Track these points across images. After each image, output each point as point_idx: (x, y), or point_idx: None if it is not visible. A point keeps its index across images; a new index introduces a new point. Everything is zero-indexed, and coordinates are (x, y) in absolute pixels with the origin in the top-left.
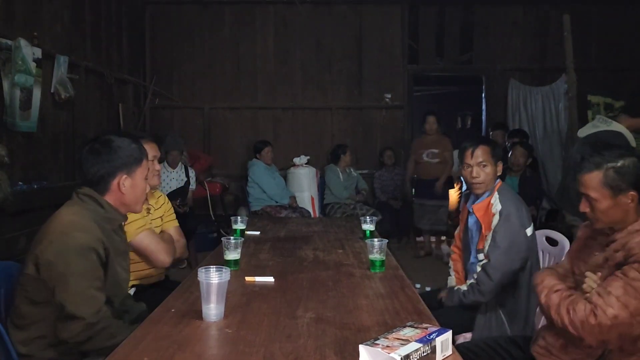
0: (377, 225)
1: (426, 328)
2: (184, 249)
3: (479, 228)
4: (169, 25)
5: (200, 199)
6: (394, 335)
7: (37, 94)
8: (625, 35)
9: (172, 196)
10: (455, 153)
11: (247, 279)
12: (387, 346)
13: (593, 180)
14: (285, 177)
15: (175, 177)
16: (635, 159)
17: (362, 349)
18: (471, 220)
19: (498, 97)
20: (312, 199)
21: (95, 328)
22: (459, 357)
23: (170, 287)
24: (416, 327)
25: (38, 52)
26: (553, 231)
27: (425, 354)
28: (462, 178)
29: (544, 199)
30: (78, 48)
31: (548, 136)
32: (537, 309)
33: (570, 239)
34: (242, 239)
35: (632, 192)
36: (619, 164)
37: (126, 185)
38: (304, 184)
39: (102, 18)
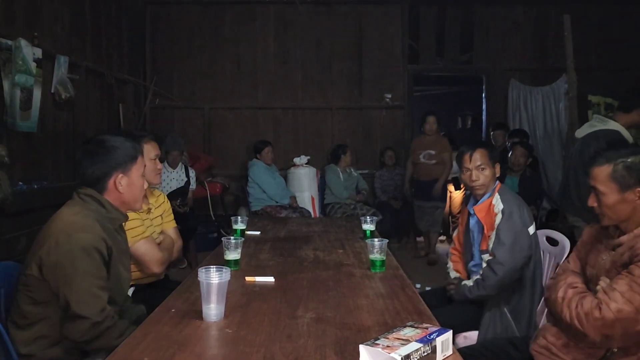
0: (378, 225)
1: (426, 328)
2: (179, 251)
3: (481, 229)
4: (170, 25)
5: (200, 199)
6: (395, 335)
7: (37, 94)
8: (625, 35)
9: (172, 196)
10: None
11: (248, 279)
12: (388, 346)
13: (602, 173)
14: (285, 177)
15: (175, 177)
16: None
17: (363, 348)
18: (472, 222)
19: (498, 97)
20: (313, 199)
21: (101, 327)
22: (459, 357)
23: (170, 287)
24: (416, 327)
25: (38, 52)
26: (553, 231)
27: (425, 354)
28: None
29: (544, 199)
30: (78, 48)
31: (548, 136)
32: (539, 308)
33: (571, 239)
34: (243, 239)
35: (639, 189)
36: (629, 160)
37: (123, 184)
38: (304, 184)
39: (103, 18)
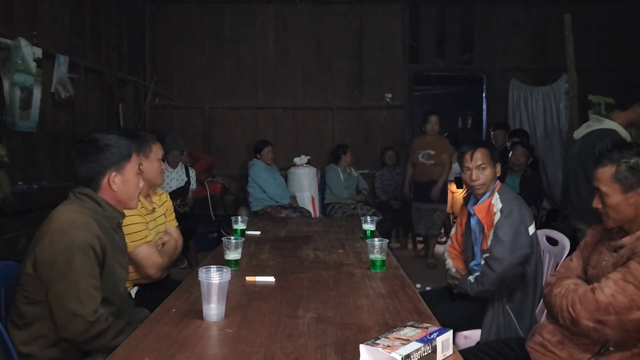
0: (378, 225)
1: (427, 328)
2: (180, 251)
3: (482, 229)
4: (169, 25)
5: (200, 199)
6: (395, 335)
7: (37, 93)
8: (626, 35)
9: (172, 196)
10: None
11: (248, 278)
12: (388, 346)
13: (605, 174)
14: (285, 177)
15: (175, 177)
16: None
17: (363, 348)
18: (473, 222)
19: (499, 97)
20: (313, 198)
21: (95, 328)
22: (460, 357)
23: (171, 286)
24: (417, 327)
25: (38, 52)
26: (553, 231)
27: (425, 353)
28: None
29: (544, 199)
30: (78, 48)
31: (549, 136)
32: (539, 307)
33: (572, 240)
34: (243, 239)
35: None
36: (632, 161)
37: (117, 182)
38: (305, 183)
39: (102, 17)
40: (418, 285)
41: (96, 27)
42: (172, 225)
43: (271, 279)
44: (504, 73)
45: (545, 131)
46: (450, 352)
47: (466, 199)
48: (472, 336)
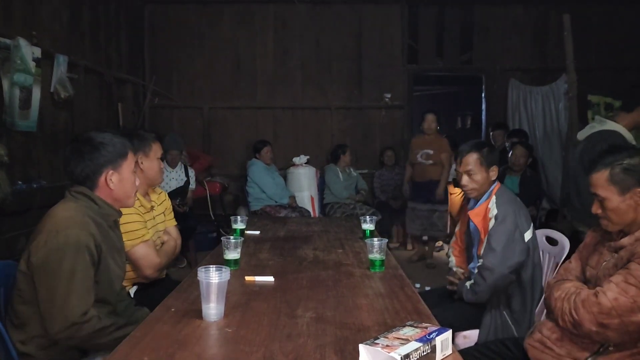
0: (377, 225)
1: (426, 327)
2: (178, 250)
3: (479, 234)
4: (168, 25)
5: (199, 198)
6: (394, 334)
7: (36, 93)
8: (625, 35)
9: (171, 196)
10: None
11: (247, 278)
12: (387, 345)
13: (600, 178)
14: (284, 177)
15: (174, 177)
16: None
17: (362, 348)
18: (471, 225)
19: (498, 97)
20: (312, 198)
21: (84, 329)
22: (459, 356)
23: (170, 286)
24: (416, 327)
25: (37, 52)
26: (553, 231)
27: (425, 353)
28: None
29: (543, 199)
30: (77, 47)
31: (548, 136)
32: (538, 308)
33: (572, 240)
34: (242, 239)
35: (639, 189)
36: (625, 162)
37: (114, 181)
38: (304, 183)
39: (101, 17)
40: (417, 285)
41: (95, 27)
42: (171, 224)
43: (270, 278)
44: (503, 73)
45: (545, 131)
46: (449, 351)
47: (467, 199)
48: (471, 336)
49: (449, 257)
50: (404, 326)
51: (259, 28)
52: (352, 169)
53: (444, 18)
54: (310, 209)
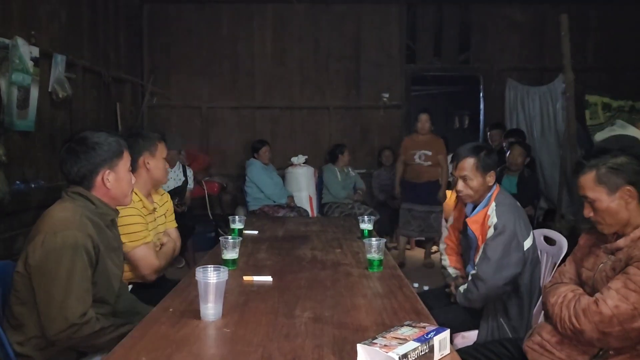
0: (375, 224)
1: (424, 327)
2: (177, 252)
3: (476, 240)
4: (167, 24)
5: (198, 198)
6: (392, 334)
7: (34, 93)
8: (622, 35)
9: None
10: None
11: (245, 278)
12: (385, 345)
13: (588, 180)
14: (283, 177)
15: (173, 177)
16: (626, 156)
17: (360, 348)
18: (469, 231)
19: (495, 97)
20: (310, 198)
21: (82, 330)
22: (457, 356)
23: (167, 286)
24: (414, 326)
25: (35, 51)
26: (551, 230)
27: (423, 353)
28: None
29: (541, 199)
30: (75, 47)
31: (545, 136)
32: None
33: (569, 239)
34: (240, 239)
35: (627, 187)
36: (610, 162)
37: (110, 180)
38: (302, 183)
39: (100, 17)
40: (415, 285)
41: (94, 26)
42: (172, 226)
43: (268, 278)
44: (500, 73)
45: (542, 131)
46: (447, 351)
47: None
48: (469, 336)
49: (442, 254)
50: (402, 326)
51: (257, 28)
52: (350, 169)
53: (441, 18)
54: (308, 209)
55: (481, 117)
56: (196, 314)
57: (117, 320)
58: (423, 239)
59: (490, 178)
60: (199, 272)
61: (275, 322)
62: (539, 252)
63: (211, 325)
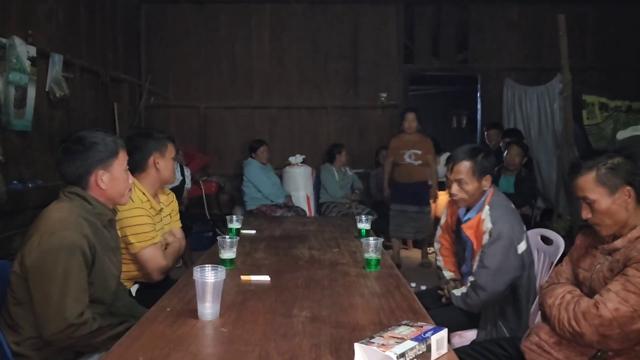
0: (373, 224)
1: (421, 326)
2: (182, 252)
3: (472, 244)
4: (165, 24)
5: (195, 198)
6: (390, 333)
7: (31, 92)
8: (620, 35)
9: None
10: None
11: (243, 277)
12: (383, 344)
13: (588, 181)
14: (280, 176)
15: None
16: (621, 157)
17: (358, 347)
18: (464, 235)
19: (493, 97)
20: (308, 198)
21: (79, 330)
22: (454, 355)
23: (169, 286)
24: (411, 326)
25: (32, 51)
26: (548, 230)
27: (420, 352)
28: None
29: (538, 198)
30: (73, 46)
31: (543, 135)
32: (532, 309)
33: (566, 238)
34: (238, 238)
35: (627, 187)
36: (609, 162)
37: (104, 180)
38: (300, 183)
39: (97, 16)
40: (413, 285)
41: (91, 26)
42: (177, 225)
43: (266, 278)
44: (498, 73)
45: (540, 131)
46: (444, 350)
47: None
48: (467, 335)
49: (437, 254)
50: (399, 325)
51: (255, 28)
52: (347, 169)
53: (439, 18)
54: (306, 209)
55: (479, 116)
56: (194, 313)
57: (113, 319)
58: (419, 239)
59: (486, 182)
60: (197, 272)
61: (272, 321)
62: (536, 252)
63: (209, 325)
